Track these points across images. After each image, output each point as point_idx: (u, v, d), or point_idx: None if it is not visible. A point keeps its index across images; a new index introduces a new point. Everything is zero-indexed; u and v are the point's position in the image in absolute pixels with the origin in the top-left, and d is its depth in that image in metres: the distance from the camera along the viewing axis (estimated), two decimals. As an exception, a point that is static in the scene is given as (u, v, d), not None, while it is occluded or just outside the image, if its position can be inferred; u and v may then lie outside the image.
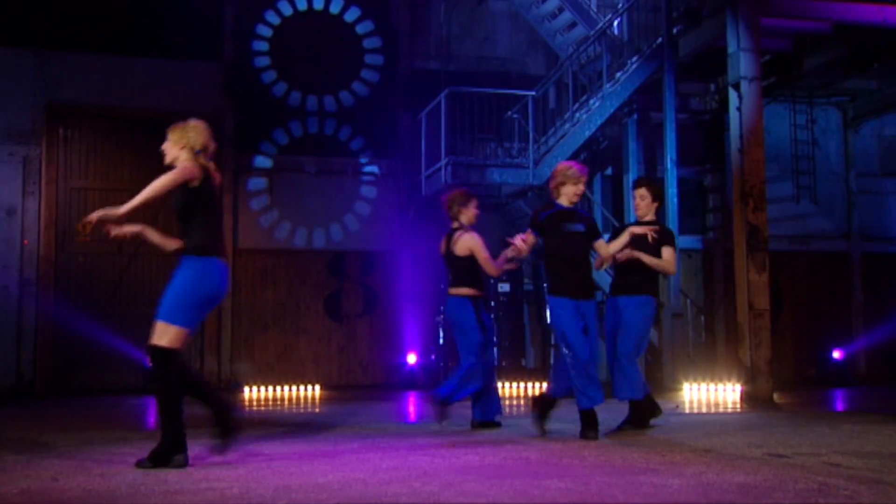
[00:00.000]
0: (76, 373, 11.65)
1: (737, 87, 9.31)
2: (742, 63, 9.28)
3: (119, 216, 4.53)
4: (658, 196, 6.48)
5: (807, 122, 13.91)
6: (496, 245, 13.29)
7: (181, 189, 4.63)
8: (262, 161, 12.75)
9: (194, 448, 5.10)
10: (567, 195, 5.88)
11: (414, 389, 11.65)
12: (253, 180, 12.74)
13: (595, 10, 12.65)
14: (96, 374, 11.67)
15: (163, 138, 4.94)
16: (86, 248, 11.91)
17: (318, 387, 11.81)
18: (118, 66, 12.23)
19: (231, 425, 4.63)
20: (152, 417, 8.14)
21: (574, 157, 12.30)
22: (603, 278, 9.75)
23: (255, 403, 9.41)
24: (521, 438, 5.60)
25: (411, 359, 12.45)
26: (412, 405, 9.22)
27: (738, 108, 9.26)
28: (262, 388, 11.13)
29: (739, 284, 9.24)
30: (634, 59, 11.69)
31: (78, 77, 12.07)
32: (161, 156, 4.94)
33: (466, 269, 6.28)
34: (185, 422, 4.47)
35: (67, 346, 11.71)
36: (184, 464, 4.42)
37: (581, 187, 5.90)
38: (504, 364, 11.85)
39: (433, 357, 12.34)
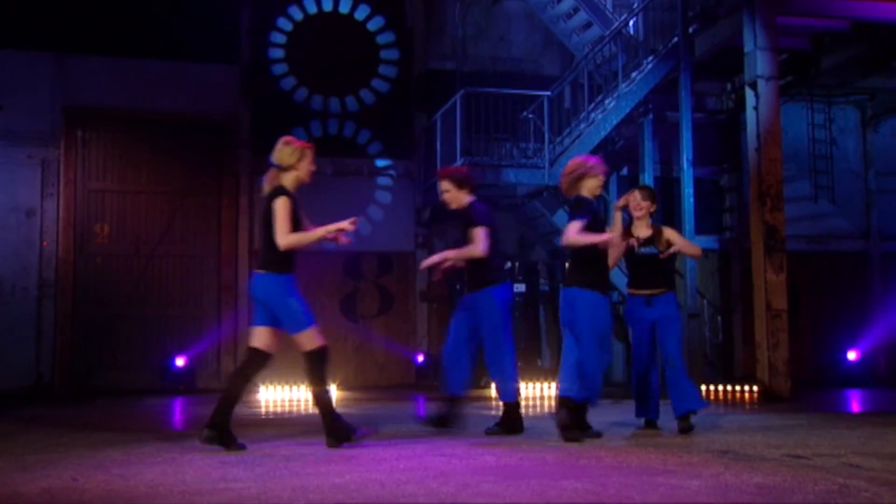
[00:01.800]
0: (94, 374, 11.73)
1: (753, 86, 9.26)
2: (759, 62, 9.23)
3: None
4: (463, 182, 6.01)
5: (825, 121, 13.80)
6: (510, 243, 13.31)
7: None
8: (279, 163, 12.76)
9: (208, 450, 5.12)
10: (590, 189, 5.59)
11: (423, 390, 11.64)
12: (269, 182, 12.75)
13: (610, 9, 12.60)
14: (114, 375, 11.74)
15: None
16: (104, 249, 12.02)
17: (334, 387, 11.81)
18: (135, 68, 12.30)
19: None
20: (170, 418, 8.19)
21: (590, 157, 12.25)
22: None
23: (271, 404, 9.44)
24: (538, 440, 5.57)
25: (420, 358, 12.48)
26: (425, 407, 9.22)
27: (755, 108, 9.22)
28: (279, 389, 11.16)
29: (757, 285, 9.20)
30: (650, 58, 11.64)
31: (96, 80, 12.16)
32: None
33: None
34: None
35: (86, 348, 11.79)
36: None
37: (602, 179, 5.63)
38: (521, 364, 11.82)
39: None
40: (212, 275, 12.34)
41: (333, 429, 5.19)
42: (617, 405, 8.03)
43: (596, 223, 5.52)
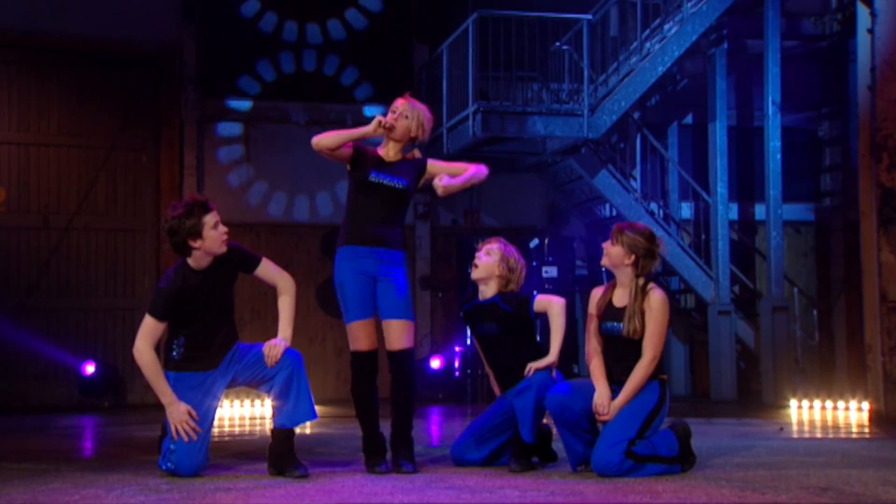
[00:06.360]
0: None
1: (868, 0, 9.13)
2: (878, -35, 9.13)
3: None
4: None
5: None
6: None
7: None
8: (235, 108, 12.72)
9: (141, 483, 5.05)
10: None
11: (440, 403, 11.64)
12: (223, 133, 12.71)
13: None
14: (14, 387, 11.67)
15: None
16: (-1, 220, 11.92)
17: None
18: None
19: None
20: (90, 442, 8.15)
21: (643, 100, 12.18)
22: None
23: (229, 423, 9.42)
24: (568, 467, 5.51)
25: (435, 363, 12.41)
26: (435, 424, 9.18)
27: (870, 30, 9.14)
28: (239, 404, 11.12)
29: (867, 268, 9.21)
30: (726, -34, 11.53)
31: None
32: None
33: None
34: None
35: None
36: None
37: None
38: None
39: (457, 362, 12.32)
40: (148, 254, 12.27)
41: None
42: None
43: None
